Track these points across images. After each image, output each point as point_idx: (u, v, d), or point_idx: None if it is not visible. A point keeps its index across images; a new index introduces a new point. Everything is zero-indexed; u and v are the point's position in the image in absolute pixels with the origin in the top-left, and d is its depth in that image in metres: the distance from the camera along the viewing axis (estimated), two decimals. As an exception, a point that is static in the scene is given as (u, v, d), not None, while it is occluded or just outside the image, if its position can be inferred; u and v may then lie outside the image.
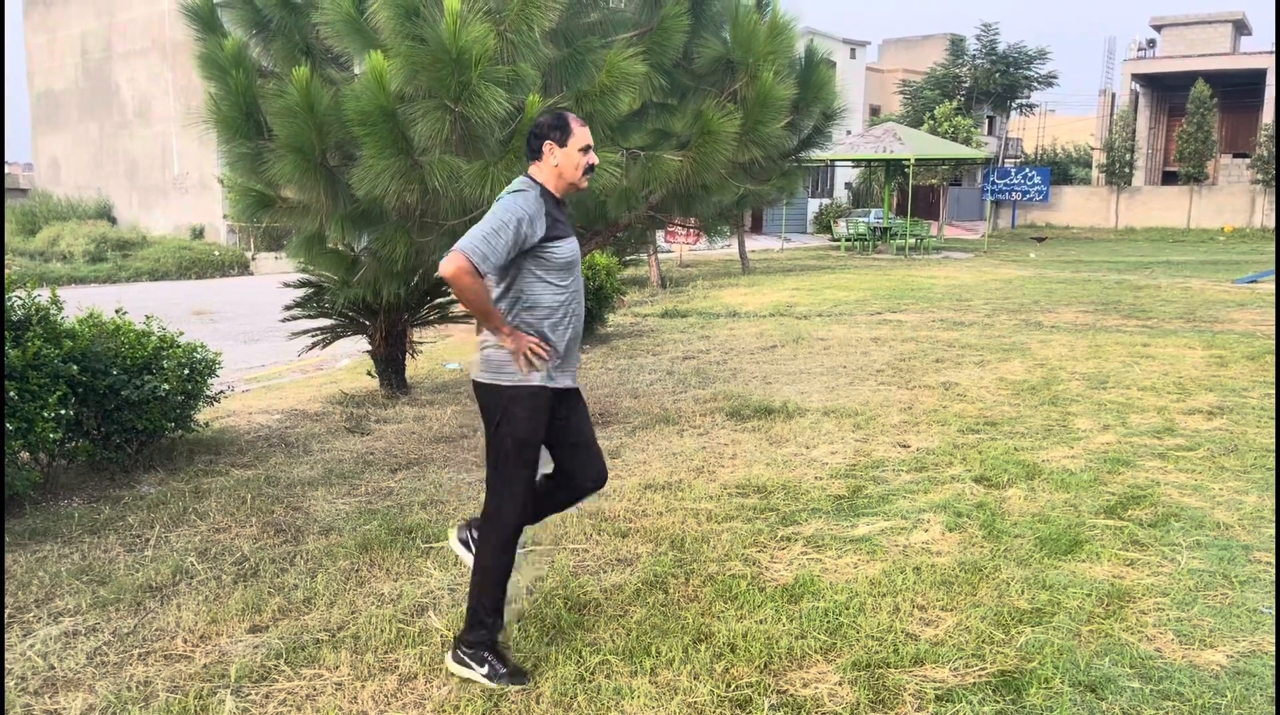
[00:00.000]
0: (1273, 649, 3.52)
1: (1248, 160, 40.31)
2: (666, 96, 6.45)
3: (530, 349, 3.26)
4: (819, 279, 19.91)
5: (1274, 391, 7.83)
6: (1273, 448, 6.17)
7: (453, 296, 8.64)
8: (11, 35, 38.44)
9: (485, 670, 3.34)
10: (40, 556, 4.55)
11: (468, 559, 3.57)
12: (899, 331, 11.87)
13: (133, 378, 5.66)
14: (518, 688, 3.29)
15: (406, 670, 3.46)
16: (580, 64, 5.78)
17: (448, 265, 3.08)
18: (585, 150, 3.35)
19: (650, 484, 5.62)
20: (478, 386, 3.38)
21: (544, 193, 3.32)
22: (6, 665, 3.51)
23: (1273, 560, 4.34)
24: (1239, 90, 42.02)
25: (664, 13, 5.94)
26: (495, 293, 3.32)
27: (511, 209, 3.19)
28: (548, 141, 3.33)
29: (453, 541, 3.70)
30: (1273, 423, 6.83)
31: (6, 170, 44.82)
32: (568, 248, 3.34)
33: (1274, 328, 11.45)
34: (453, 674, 3.40)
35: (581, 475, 3.57)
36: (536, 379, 3.30)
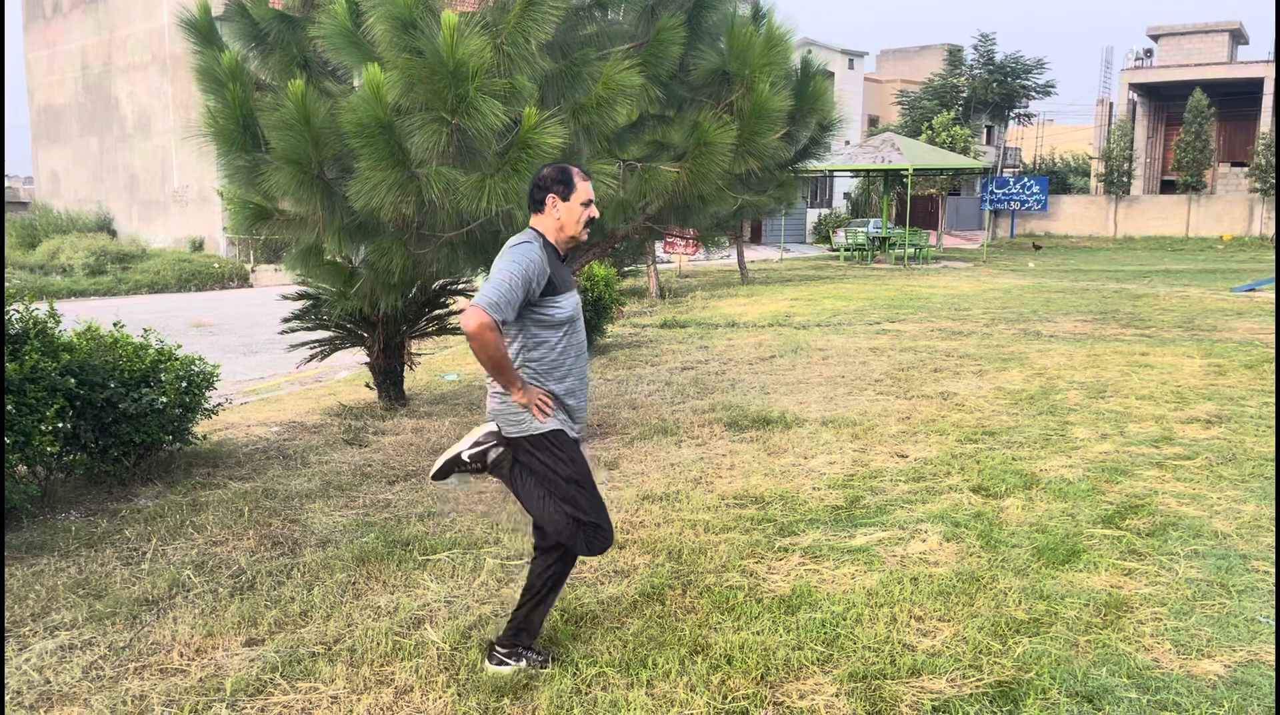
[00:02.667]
0: (1271, 659, 3.51)
1: (1245, 169, 40.39)
2: (663, 108, 6.47)
3: (540, 401, 3.33)
4: (818, 289, 19.93)
5: (1274, 400, 7.83)
6: (1271, 457, 6.16)
7: (450, 308, 8.67)
8: (12, 50, 38.61)
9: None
10: (37, 570, 4.54)
11: (508, 670, 3.50)
12: (897, 341, 11.87)
13: (130, 391, 5.66)
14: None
15: (403, 683, 3.45)
16: (577, 76, 5.79)
17: (470, 321, 3.11)
18: (587, 204, 3.40)
19: (648, 495, 5.61)
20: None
21: (546, 244, 3.36)
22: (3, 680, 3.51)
23: (1271, 569, 4.34)
24: (1236, 99, 42.15)
25: (660, 25, 5.95)
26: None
27: (521, 261, 3.23)
28: (551, 194, 3.36)
29: (490, 668, 3.55)
30: (1271, 432, 6.83)
31: (7, 184, 44.92)
32: (568, 304, 3.38)
33: (1273, 336, 11.45)
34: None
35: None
36: (552, 424, 3.36)
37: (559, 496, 3.39)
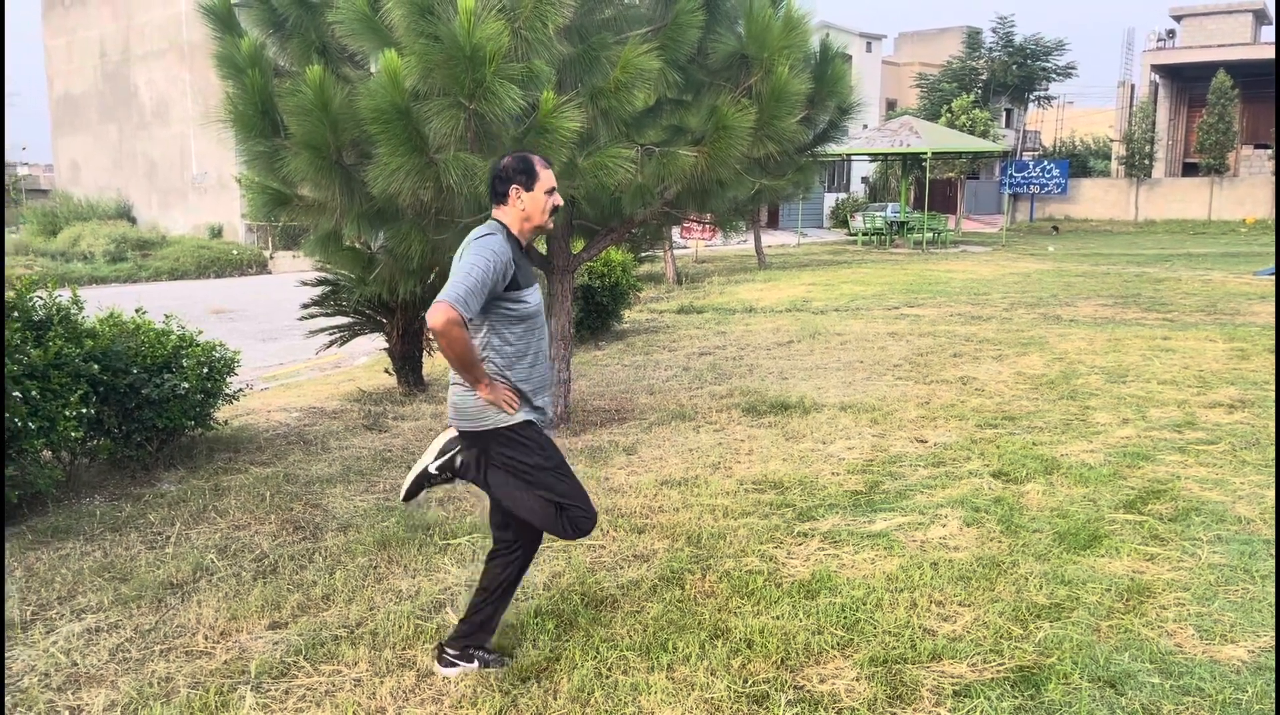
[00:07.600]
0: (1295, 644, 3.49)
1: (1269, 151, 39.85)
2: (681, 92, 6.44)
3: (507, 397, 3.25)
4: (836, 274, 19.85)
5: (1273, 383, 7.76)
6: (1295, 441, 6.10)
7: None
8: (31, 39, 38.84)
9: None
10: (63, 554, 4.59)
11: (455, 671, 3.45)
12: (916, 326, 11.82)
13: (153, 376, 5.71)
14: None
15: (424, 666, 3.48)
16: (594, 60, 5.77)
17: (437, 317, 3.02)
18: (550, 192, 3.33)
19: (667, 480, 5.62)
20: (465, 435, 3.35)
21: (509, 237, 3.28)
22: (30, 663, 3.56)
23: (1295, 555, 4.30)
24: (1260, 80, 41.50)
25: (678, 8, 5.92)
26: None
27: (485, 254, 3.14)
28: (514, 185, 3.28)
29: (442, 670, 3.50)
30: (1295, 416, 6.76)
31: (28, 172, 45.25)
32: (531, 300, 3.31)
33: (1275, 320, 11.33)
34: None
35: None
36: (519, 417, 3.28)
37: (533, 484, 3.30)
